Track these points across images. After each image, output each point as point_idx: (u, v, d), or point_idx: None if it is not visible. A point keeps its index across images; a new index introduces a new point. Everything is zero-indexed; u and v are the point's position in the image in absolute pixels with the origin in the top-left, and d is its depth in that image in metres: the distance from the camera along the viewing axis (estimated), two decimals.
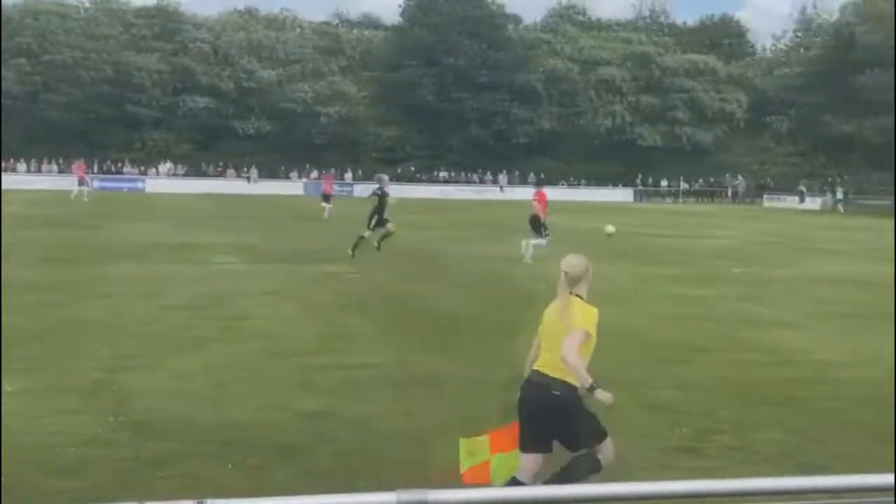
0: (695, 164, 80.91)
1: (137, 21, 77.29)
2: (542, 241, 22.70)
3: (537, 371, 6.19)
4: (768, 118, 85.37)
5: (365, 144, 78.83)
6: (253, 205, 47.79)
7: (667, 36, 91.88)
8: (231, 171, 71.83)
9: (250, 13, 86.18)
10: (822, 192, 70.57)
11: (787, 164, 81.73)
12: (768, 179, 78.39)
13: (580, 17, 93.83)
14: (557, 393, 6.04)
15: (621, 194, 74.03)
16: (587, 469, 6.04)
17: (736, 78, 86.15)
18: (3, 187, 45.08)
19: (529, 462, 6.10)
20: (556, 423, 6.06)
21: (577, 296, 6.32)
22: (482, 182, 76.01)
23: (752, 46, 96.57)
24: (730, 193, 76.99)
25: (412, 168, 76.62)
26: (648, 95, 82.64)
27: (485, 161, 77.01)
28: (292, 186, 69.01)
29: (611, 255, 23.05)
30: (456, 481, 6.42)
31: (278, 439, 7.77)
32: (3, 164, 61.70)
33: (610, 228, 23.33)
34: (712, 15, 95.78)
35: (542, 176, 76.51)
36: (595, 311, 6.34)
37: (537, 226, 23.01)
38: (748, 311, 15.53)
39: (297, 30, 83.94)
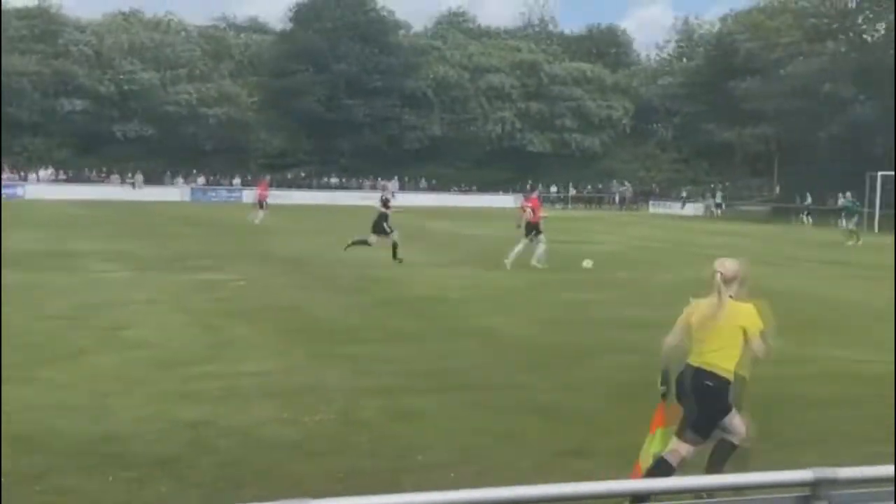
0: (583, 170, 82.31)
1: (17, 23, 74.88)
2: (541, 249, 23.23)
3: (695, 364, 6.67)
4: (653, 126, 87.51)
5: (254, 150, 77.94)
6: (136, 211, 46.81)
7: (555, 44, 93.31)
8: (115, 177, 70.12)
9: (134, 15, 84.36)
10: (704, 198, 72.47)
11: (671, 171, 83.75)
12: (654, 185, 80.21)
13: (469, 25, 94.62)
14: (711, 384, 6.52)
15: (511, 200, 74.69)
16: (728, 452, 6.64)
17: (621, 86, 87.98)
18: None
19: (683, 449, 6.51)
20: (710, 412, 6.55)
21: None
22: (373, 188, 75.86)
23: (637, 55, 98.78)
24: (617, 199, 78.51)
25: (302, 174, 76.10)
26: (537, 102, 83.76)
27: (376, 167, 76.94)
28: (178, 192, 67.78)
29: (496, 262, 23.23)
30: (340, 490, 6.39)
31: (159, 450, 7.60)
32: None
33: (587, 263, 23.60)
34: (598, 24, 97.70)
35: (434, 182, 77.00)
36: (753, 308, 6.83)
37: (531, 232, 23.40)
38: (631, 315, 15.82)
39: (182, 33, 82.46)
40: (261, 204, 41.33)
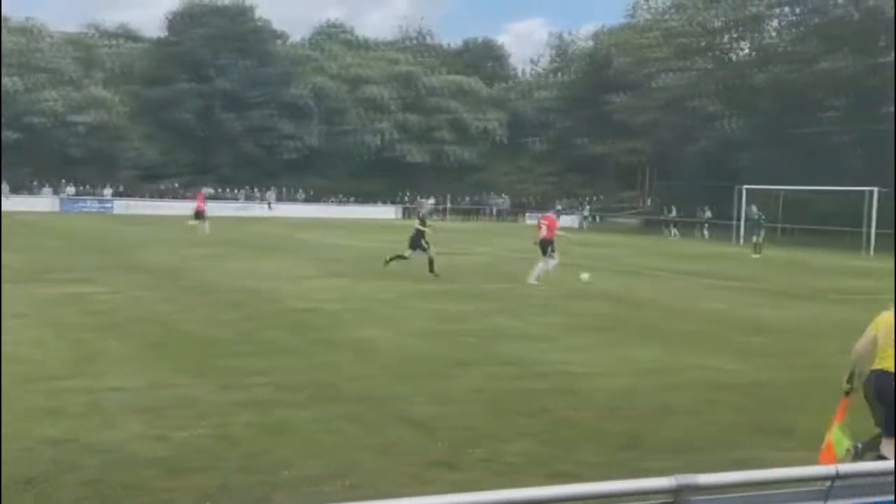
0: (459, 182, 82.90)
1: None
2: (550, 264, 23.76)
3: (878, 368, 7.43)
4: (528, 139, 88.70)
5: (126, 159, 75.91)
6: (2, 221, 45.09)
7: (432, 57, 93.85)
8: None
9: None
10: (578, 211, 73.84)
11: (546, 184, 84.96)
12: (529, 198, 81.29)
13: (347, 36, 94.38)
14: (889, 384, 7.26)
15: (389, 211, 74.79)
16: None
17: (497, 99, 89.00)
18: None
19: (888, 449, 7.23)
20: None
21: None
22: (249, 199, 74.95)
23: (513, 70, 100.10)
24: (494, 211, 79.31)
25: (176, 184, 74.57)
26: (414, 114, 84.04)
27: (253, 177, 75.96)
28: (47, 202, 65.64)
29: (371, 273, 23.19)
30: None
31: (22, 469, 7.33)
32: None
33: (585, 277, 23.77)
34: (475, 38, 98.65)
35: (311, 193, 76.46)
36: None
37: (546, 249, 23.95)
38: (504, 326, 15.99)
39: (49, 39, 79.78)
40: (198, 215, 41.89)
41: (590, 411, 9.92)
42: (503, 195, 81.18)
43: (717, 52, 66.75)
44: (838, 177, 51.95)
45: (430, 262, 24.11)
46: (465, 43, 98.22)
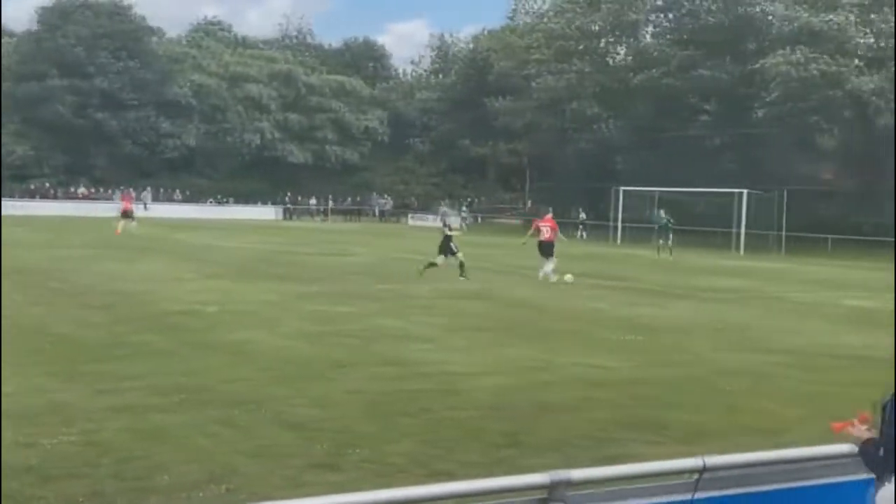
0: (342, 182, 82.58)
1: None
2: (551, 267, 24.68)
3: None
4: (411, 140, 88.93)
5: None
6: None
7: (312, 56, 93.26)
8: None
9: None
10: (461, 212, 74.38)
11: (428, 185, 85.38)
12: (412, 199, 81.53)
13: (225, 34, 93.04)
14: None
15: (269, 212, 74.03)
16: None
17: (379, 100, 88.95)
18: None
19: None
20: None
21: None
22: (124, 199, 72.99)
23: (394, 70, 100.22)
24: (376, 212, 79.27)
25: (47, 184, 72.30)
26: (295, 113, 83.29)
27: (129, 177, 74.05)
28: None
29: (250, 275, 22.93)
30: None
31: None
32: None
33: (569, 278, 23.90)
34: (356, 38, 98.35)
35: (188, 193, 75.09)
36: None
37: (546, 251, 25.30)
38: (387, 327, 15.98)
39: None
40: (125, 214, 43.33)
41: (470, 410, 9.99)
42: (385, 196, 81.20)
43: (596, 56, 68.08)
44: (711, 179, 53.57)
45: (461, 266, 25.38)
46: (346, 43, 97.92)
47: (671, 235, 40.72)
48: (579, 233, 58.57)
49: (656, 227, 41.35)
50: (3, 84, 73.24)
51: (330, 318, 16.85)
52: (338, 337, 14.60)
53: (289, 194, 76.95)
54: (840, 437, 4.53)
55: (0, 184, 61.22)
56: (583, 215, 60.24)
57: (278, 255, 32.31)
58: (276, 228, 48.25)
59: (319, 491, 6.74)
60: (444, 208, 31.60)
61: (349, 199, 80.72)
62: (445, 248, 25.87)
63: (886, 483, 3.06)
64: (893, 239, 35.13)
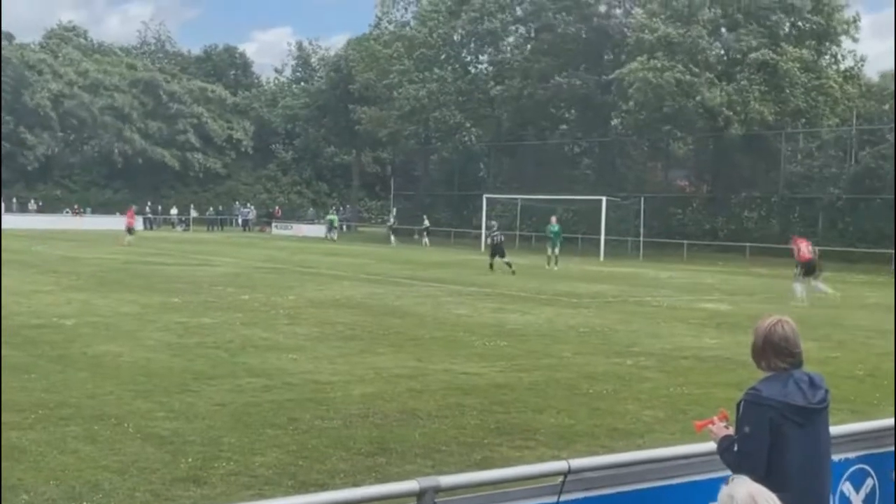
0: (205, 192, 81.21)
1: None
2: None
3: None
4: (274, 148, 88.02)
5: None
6: None
7: (173, 63, 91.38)
8: None
9: None
10: (324, 220, 74.01)
11: (293, 193, 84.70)
12: (276, 208, 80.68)
13: (81, 40, 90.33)
14: None
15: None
16: None
17: (242, 108, 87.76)
18: None
19: None
20: None
21: None
22: None
23: (257, 78, 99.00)
24: (240, 221, 78.12)
25: None
26: (157, 121, 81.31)
27: None
28: None
29: (111, 286, 22.30)
30: None
31: None
32: None
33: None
34: (216, 45, 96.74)
35: (41, 203, 72.51)
36: None
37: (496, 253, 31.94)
38: (252, 337, 15.77)
39: None
40: (129, 230, 46.25)
41: (338, 420, 9.95)
42: (248, 205, 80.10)
43: (458, 65, 68.76)
44: (572, 186, 54.74)
45: (510, 265, 32.43)
46: (206, 50, 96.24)
47: (559, 244, 40.26)
48: (423, 239, 57.64)
49: (549, 235, 40.72)
50: None
51: (193, 329, 16.52)
52: (202, 348, 14.33)
53: (149, 204, 75.06)
54: (702, 436, 4.69)
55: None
56: (426, 223, 59.46)
57: (138, 265, 31.57)
58: (137, 239, 47.03)
59: None
60: (490, 222, 40.70)
61: (211, 208, 79.24)
62: (497, 250, 34.03)
63: (739, 478, 3.19)
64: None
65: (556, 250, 38.89)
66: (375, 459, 8.53)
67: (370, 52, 70.31)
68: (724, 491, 3.10)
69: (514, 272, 31.85)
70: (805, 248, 26.08)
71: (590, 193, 50.53)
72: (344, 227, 73.16)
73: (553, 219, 40.78)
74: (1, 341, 11.44)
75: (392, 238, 58.83)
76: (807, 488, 4.48)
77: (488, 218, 49.21)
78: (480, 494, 4.24)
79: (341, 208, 79.93)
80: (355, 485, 4.85)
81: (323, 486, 7.27)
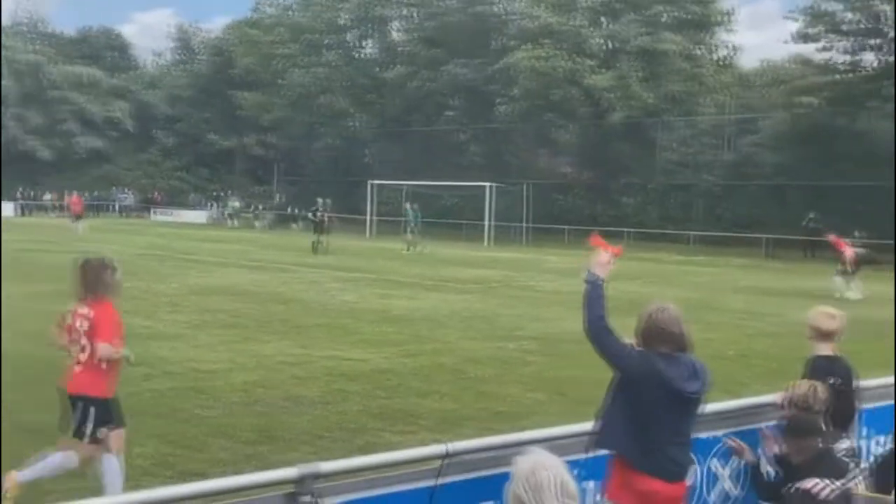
0: (83, 176, 78.74)
1: None
2: None
3: None
4: (155, 132, 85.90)
5: None
6: None
7: (46, 45, 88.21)
8: None
9: None
10: (209, 207, 72.77)
11: (174, 178, 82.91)
12: (156, 193, 78.88)
13: None
14: None
15: (9, 209, 69.37)
16: None
17: (121, 91, 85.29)
18: None
19: None
20: None
21: None
22: None
23: (135, 60, 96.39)
24: (118, 207, 76.18)
25: None
26: (32, 105, 78.39)
27: None
28: None
29: None
30: None
31: None
32: None
33: None
34: (91, 27, 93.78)
35: None
36: None
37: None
38: (132, 325, 15.32)
39: None
40: (77, 217, 45.51)
41: (220, 408, 9.83)
42: (126, 190, 78.08)
43: (344, 50, 68.32)
44: (459, 172, 55.01)
45: (322, 244, 33.58)
46: (82, 32, 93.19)
47: (418, 228, 41.18)
48: (298, 225, 56.99)
49: (404, 220, 41.70)
50: None
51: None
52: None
53: (21, 189, 72.52)
54: (582, 416, 4.79)
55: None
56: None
57: (18, 253, 30.51)
58: (12, 225, 45.47)
59: (62, 498, 6.44)
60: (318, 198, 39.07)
61: (87, 193, 76.87)
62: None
63: (530, 449, 3.24)
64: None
65: (414, 235, 40.03)
66: (257, 448, 8.45)
67: (249, 38, 69.27)
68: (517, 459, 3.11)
69: (326, 252, 33.20)
70: (849, 250, 25.32)
71: (476, 180, 50.86)
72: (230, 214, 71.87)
73: (408, 205, 42.44)
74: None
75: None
76: (670, 465, 4.66)
77: (372, 203, 48.98)
78: (360, 479, 4.24)
79: (224, 194, 78.51)
80: (236, 474, 4.80)
81: (203, 476, 7.16)
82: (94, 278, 7.13)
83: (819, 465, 4.85)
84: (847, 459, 5.05)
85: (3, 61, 73.90)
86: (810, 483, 4.75)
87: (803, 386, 5.32)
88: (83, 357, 6.98)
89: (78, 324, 7.05)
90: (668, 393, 4.56)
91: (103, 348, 6.75)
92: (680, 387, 4.56)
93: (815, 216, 42.92)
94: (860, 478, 5.02)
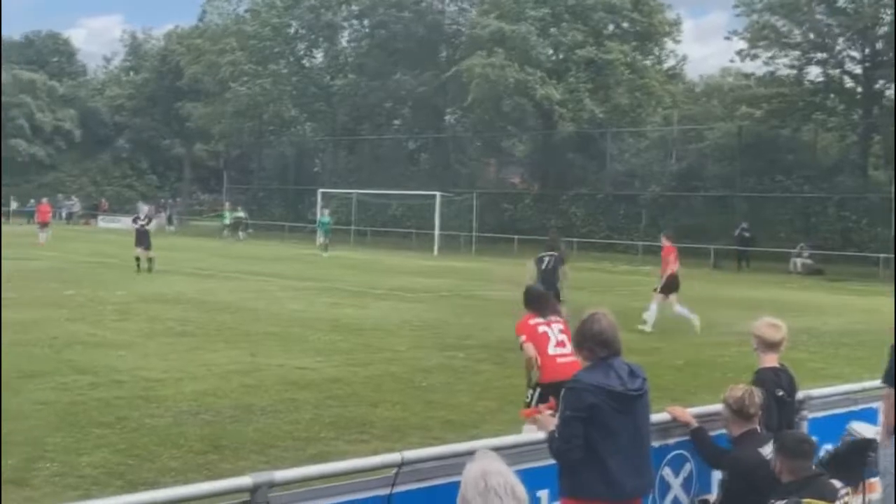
0: (28, 182, 77.58)
1: None
2: None
3: None
4: (102, 139, 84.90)
5: None
6: None
7: None
8: None
9: None
10: (156, 214, 71.93)
11: (121, 185, 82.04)
12: (103, 200, 77.93)
13: None
14: None
15: None
16: None
17: (68, 97, 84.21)
18: None
19: None
20: None
21: None
22: None
23: (83, 66, 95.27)
24: (64, 214, 75.09)
25: None
26: None
27: None
28: None
29: None
30: None
31: None
32: None
33: None
34: (39, 31, 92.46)
35: None
36: None
37: None
38: (78, 333, 15.27)
39: None
40: (42, 225, 45.01)
41: (169, 417, 9.78)
42: (72, 197, 77.02)
43: (293, 59, 68.05)
44: (407, 182, 55.06)
45: (150, 261, 28.22)
46: (27, 36, 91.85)
47: (328, 232, 43.58)
48: (238, 234, 56.43)
49: (318, 225, 44.10)
50: None
51: (14, 325, 15.78)
52: (24, 346, 13.77)
53: None
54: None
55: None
56: (241, 213, 58.05)
57: None
58: None
59: None
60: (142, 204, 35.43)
61: (32, 200, 75.71)
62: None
63: (481, 453, 3.32)
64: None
65: (326, 239, 42.92)
66: (207, 457, 8.43)
67: (195, 47, 68.69)
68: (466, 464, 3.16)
69: (149, 270, 27.82)
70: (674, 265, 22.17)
71: (425, 189, 50.92)
72: (172, 220, 71.13)
73: (325, 211, 46.21)
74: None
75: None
76: (630, 471, 4.76)
77: (322, 213, 48.83)
78: (315, 488, 4.26)
79: (171, 201, 77.79)
80: (187, 483, 4.79)
81: (153, 485, 7.13)
82: None
83: (808, 486, 4.99)
84: (837, 483, 5.17)
85: None
86: None
87: (739, 389, 5.51)
88: None
89: None
90: (611, 400, 4.66)
91: None
92: (622, 389, 4.68)
93: (747, 226, 43.33)
94: (850, 501, 5.18)
